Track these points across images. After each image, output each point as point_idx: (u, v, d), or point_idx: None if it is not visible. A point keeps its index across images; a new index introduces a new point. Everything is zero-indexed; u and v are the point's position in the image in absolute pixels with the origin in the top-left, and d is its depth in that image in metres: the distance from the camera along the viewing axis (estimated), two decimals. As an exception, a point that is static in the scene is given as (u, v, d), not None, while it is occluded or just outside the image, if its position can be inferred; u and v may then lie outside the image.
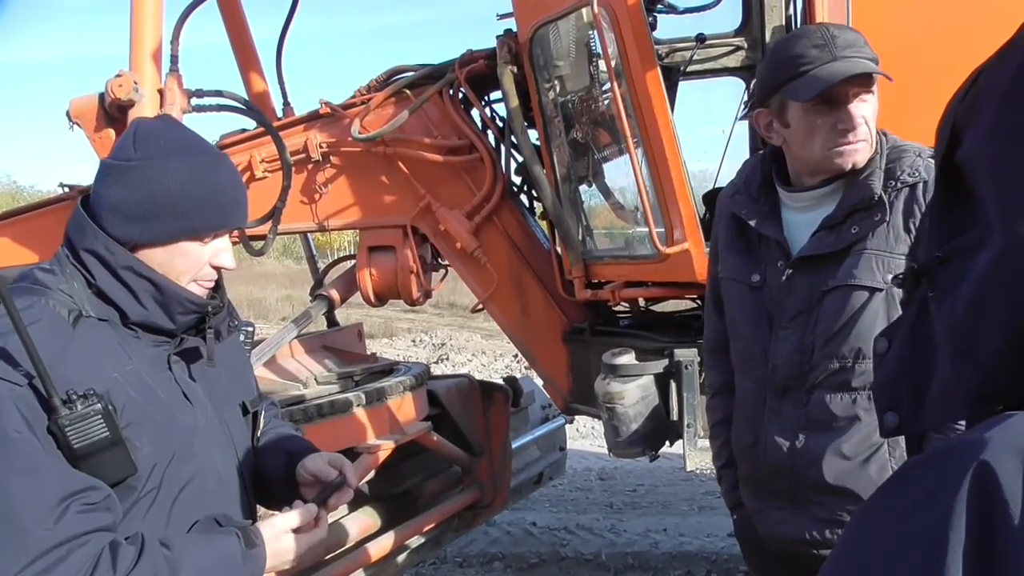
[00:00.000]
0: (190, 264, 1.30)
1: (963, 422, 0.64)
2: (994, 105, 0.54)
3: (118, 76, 3.14)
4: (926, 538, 0.45)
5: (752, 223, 1.67)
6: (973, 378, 0.57)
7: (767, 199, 1.70)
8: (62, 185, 3.94)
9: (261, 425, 1.49)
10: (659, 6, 3.38)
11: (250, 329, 1.54)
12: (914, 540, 0.46)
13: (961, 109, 0.58)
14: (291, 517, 1.32)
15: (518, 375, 4.40)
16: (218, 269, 1.34)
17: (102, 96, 3.22)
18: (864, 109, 1.56)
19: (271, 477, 1.47)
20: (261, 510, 1.55)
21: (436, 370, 8.25)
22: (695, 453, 2.66)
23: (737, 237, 1.74)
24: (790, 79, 1.54)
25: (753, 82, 1.75)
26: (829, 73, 1.51)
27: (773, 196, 1.71)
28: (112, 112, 3.24)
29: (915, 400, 0.76)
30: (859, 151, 1.59)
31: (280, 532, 1.30)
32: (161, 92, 3.21)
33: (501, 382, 3.91)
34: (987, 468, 0.44)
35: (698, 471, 2.68)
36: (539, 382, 3.96)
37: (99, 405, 1.13)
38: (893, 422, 0.89)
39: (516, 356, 10.57)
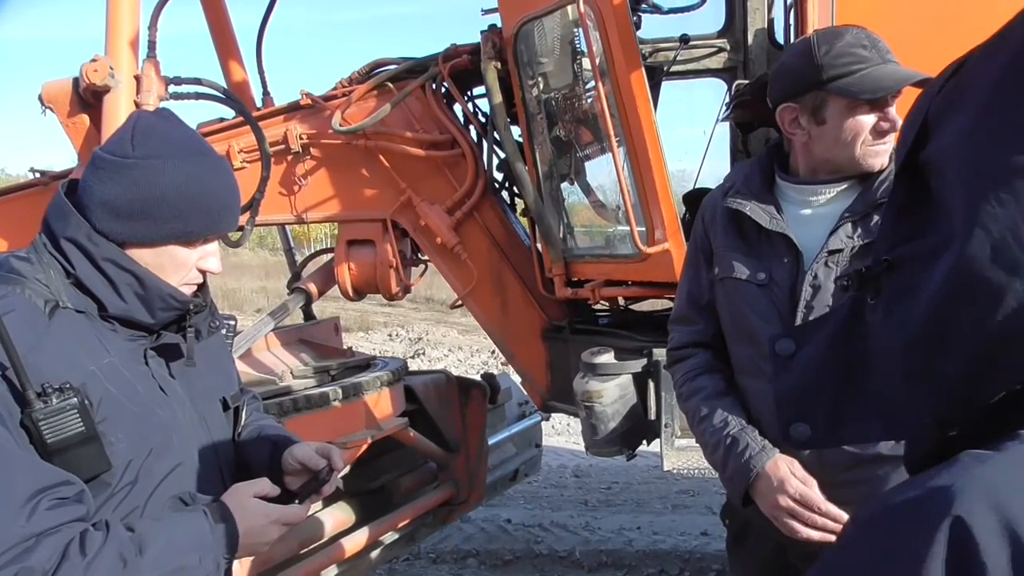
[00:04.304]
0: (177, 266, 1.28)
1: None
2: (977, 103, 0.49)
3: (93, 61, 3.07)
4: None
5: (762, 221, 1.64)
6: (929, 401, 0.53)
7: (771, 197, 1.68)
8: (33, 171, 3.86)
9: (243, 419, 1.47)
10: (644, 6, 3.39)
11: (232, 323, 1.52)
12: None
13: (936, 103, 0.53)
14: (255, 483, 1.31)
15: (495, 371, 4.38)
16: (204, 272, 1.33)
17: (76, 81, 3.16)
18: (896, 114, 1.57)
19: (255, 467, 1.46)
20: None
21: (412, 365, 8.20)
22: (672, 453, 2.67)
23: (737, 236, 1.71)
24: (841, 76, 1.53)
25: (770, 78, 1.72)
26: (888, 74, 1.51)
27: (774, 194, 1.70)
28: (87, 97, 3.18)
29: (834, 413, 0.69)
30: (888, 153, 1.60)
31: (243, 496, 1.27)
32: (138, 78, 3.15)
33: (478, 378, 3.90)
34: (962, 526, 0.40)
35: (674, 471, 2.68)
36: (516, 379, 3.96)
37: (75, 399, 1.11)
38: (803, 435, 0.80)
39: (493, 352, 10.58)
